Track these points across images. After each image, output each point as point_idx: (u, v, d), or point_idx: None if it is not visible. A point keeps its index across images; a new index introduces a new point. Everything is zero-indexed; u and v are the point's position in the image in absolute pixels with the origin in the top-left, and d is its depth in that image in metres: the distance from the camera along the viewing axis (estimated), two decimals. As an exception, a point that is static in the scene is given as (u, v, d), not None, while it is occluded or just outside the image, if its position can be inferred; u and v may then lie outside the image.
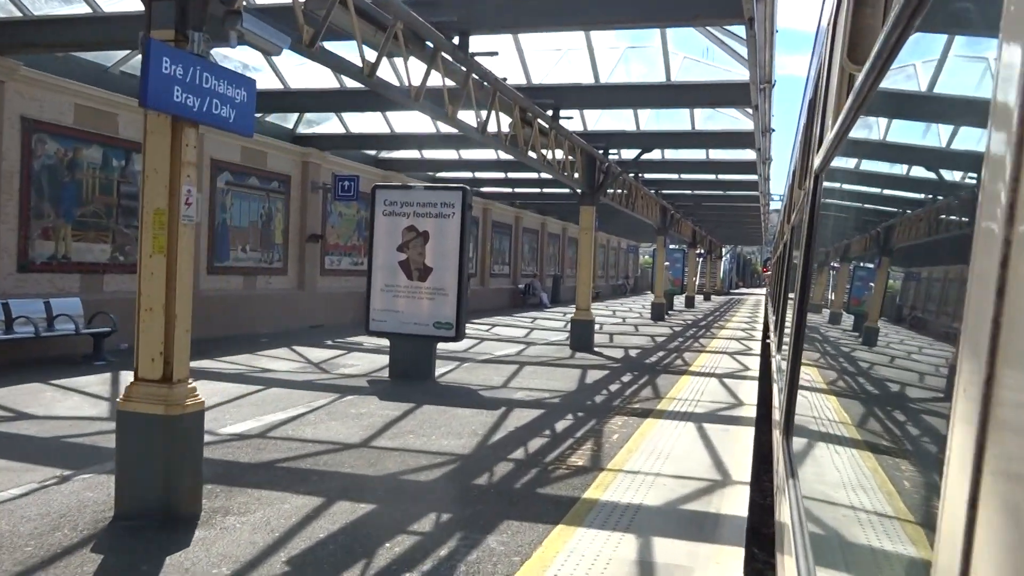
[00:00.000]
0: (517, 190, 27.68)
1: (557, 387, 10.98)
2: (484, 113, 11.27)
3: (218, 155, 15.16)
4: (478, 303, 27.84)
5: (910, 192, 1.18)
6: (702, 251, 50.86)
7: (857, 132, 1.39)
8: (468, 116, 11.24)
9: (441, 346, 11.82)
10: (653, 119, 16.16)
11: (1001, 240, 0.44)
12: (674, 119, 16.06)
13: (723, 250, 65.05)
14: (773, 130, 14.25)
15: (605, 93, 13.01)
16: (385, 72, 9.47)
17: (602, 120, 16.37)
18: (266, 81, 13.18)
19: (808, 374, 2.04)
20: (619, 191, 20.63)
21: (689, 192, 26.90)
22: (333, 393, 9.76)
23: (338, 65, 8.19)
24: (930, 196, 1.00)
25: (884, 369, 1.15)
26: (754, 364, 14.69)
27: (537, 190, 26.77)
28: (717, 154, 19.31)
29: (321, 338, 16.05)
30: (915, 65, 0.97)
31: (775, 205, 31.95)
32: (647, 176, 23.23)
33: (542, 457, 7.01)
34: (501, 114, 11.96)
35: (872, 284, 1.36)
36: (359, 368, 12.20)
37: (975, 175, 0.56)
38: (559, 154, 14.79)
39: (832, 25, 2.04)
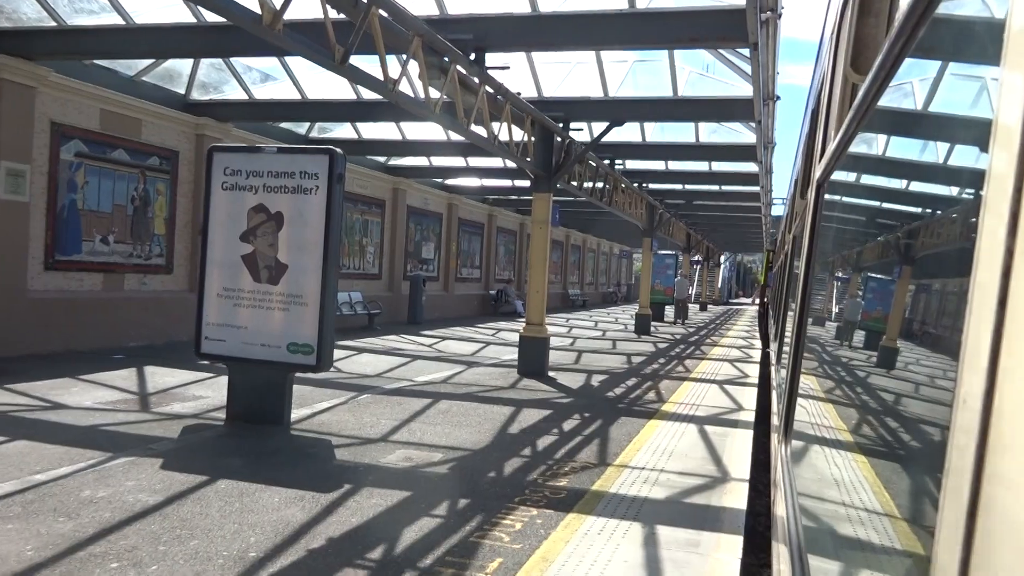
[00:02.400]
0: (485, 182, 24.35)
1: (459, 441, 7.59)
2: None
3: (63, 117, 11.79)
4: (441, 311, 24.46)
5: (912, 202, 1.20)
6: (699, 257, 47.46)
7: (860, 141, 1.41)
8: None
9: (339, 371, 8.46)
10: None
11: (1003, 251, 0.45)
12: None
13: (722, 257, 61.58)
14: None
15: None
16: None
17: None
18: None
19: (807, 381, 2.10)
20: (598, 184, 17.30)
21: (680, 187, 23.52)
22: (108, 451, 6.38)
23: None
24: (932, 206, 1.02)
25: (883, 378, 1.18)
26: (749, 396, 11.31)
27: (508, 182, 23.41)
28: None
29: (205, 354, 12.65)
30: (918, 74, 1.00)
31: (776, 211, 29.04)
32: (630, 165, 19.90)
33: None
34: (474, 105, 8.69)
35: (874, 294, 1.44)
36: (202, 403, 8.81)
37: (978, 185, 0.56)
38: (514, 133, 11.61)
39: (836, 35, 2.05)
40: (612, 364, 15.14)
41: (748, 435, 8.21)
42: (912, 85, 1.02)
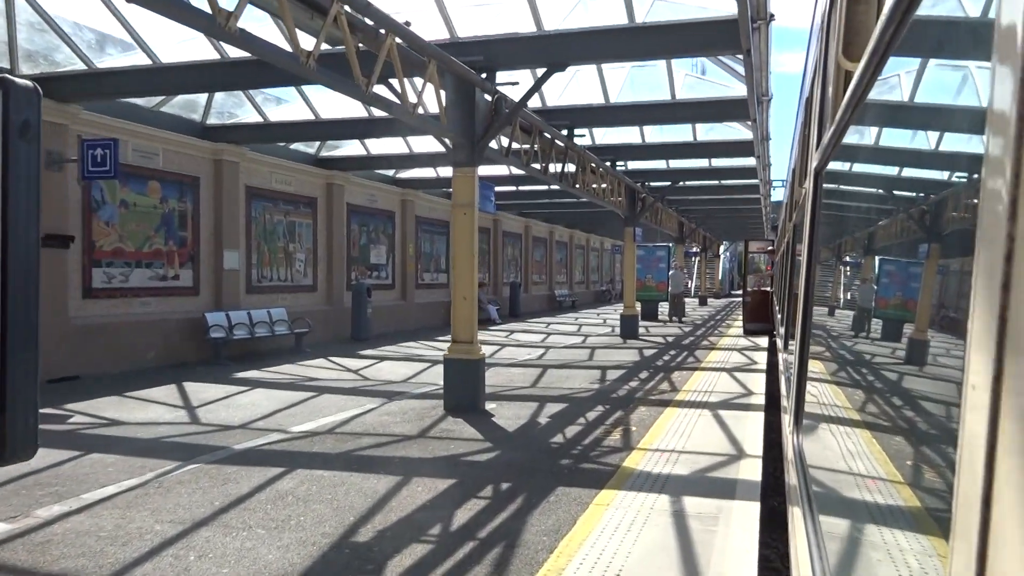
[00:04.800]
0: (444, 172, 21.14)
1: (252, 574, 4.40)
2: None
3: None
4: (398, 323, 21.27)
5: (911, 187, 1.20)
6: (696, 249, 44.19)
7: (855, 129, 1.42)
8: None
9: (195, 422, 5.29)
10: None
11: (1005, 234, 0.45)
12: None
13: (721, 247, 58.24)
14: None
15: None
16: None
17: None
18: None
19: (815, 364, 2.13)
20: (567, 166, 14.22)
21: (664, 164, 20.29)
22: None
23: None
24: (931, 191, 1.03)
25: (888, 361, 1.19)
26: (752, 427, 8.13)
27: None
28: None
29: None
30: (911, 61, 1.02)
31: (776, 196, 26.17)
32: (601, 140, 16.72)
33: None
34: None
35: (874, 278, 1.43)
36: None
37: (976, 169, 0.57)
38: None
39: (827, 22, 2.05)
40: (578, 384, 11.92)
41: (750, 527, 5.00)
42: (905, 69, 1.04)
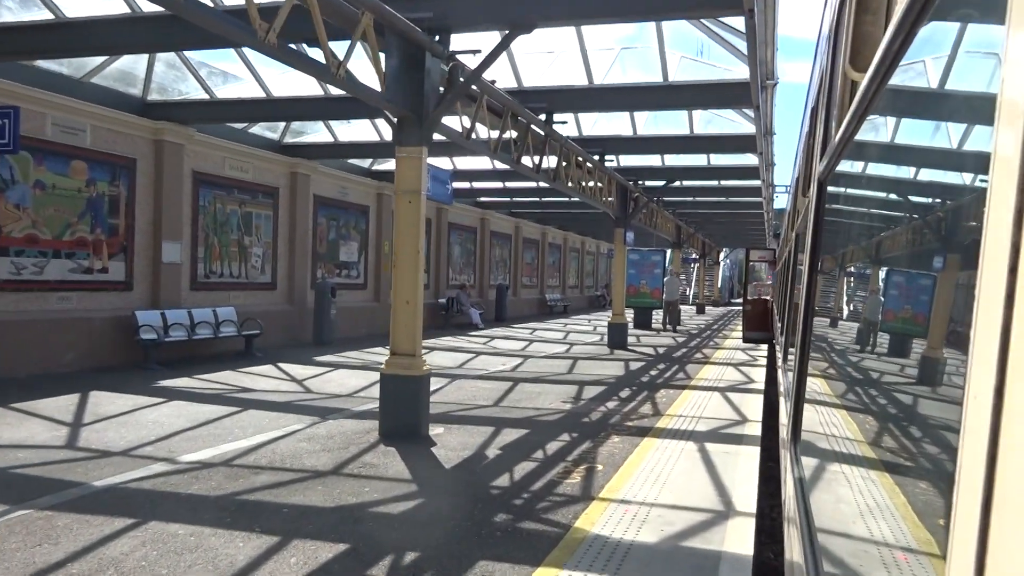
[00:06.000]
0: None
1: None
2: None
3: None
4: (368, 326, 19.73)
5: (916, 198, 1.19)
6: (695, 255, 42.66)
7: (860, 139, 1.41)
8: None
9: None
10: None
11: (1009, 245, 0.45)
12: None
13: (721, 254, 56.64)
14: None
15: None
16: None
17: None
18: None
19: (814, 377, 2.07)
20: (546, 157, 12.69)
21: (658, 162, 18.75)
22: None
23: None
24: (936, 202, 1.01)
25: (890, 374, 1.18)
26: (746, 464, 6.65)
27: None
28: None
29: None
30: (918, 71, 0.99)
31: (779, 204, 24.78)
32: (588, 131, 15.21)
33: None
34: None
35: (878, 290, 1.40)
36: None
37: (981, 181, 0.57)
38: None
39: (834, 32, 2.04)
40: (548, 403, 10.37)
41: None
42: (911, 80, 1.02)
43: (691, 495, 6.02)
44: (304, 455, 7.10)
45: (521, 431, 8.48)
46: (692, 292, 49.82)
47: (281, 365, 13.52)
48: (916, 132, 1.15)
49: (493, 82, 10.00)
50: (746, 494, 6.01)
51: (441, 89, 8.40)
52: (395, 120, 8.02)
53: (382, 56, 7.61)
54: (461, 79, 8.27)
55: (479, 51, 8.63)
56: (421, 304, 8.17)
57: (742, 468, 6.92)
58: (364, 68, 8.19)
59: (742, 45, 8.97)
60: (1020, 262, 0.44)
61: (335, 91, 11.84)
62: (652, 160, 18.56)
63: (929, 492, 0.79)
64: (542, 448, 7.68)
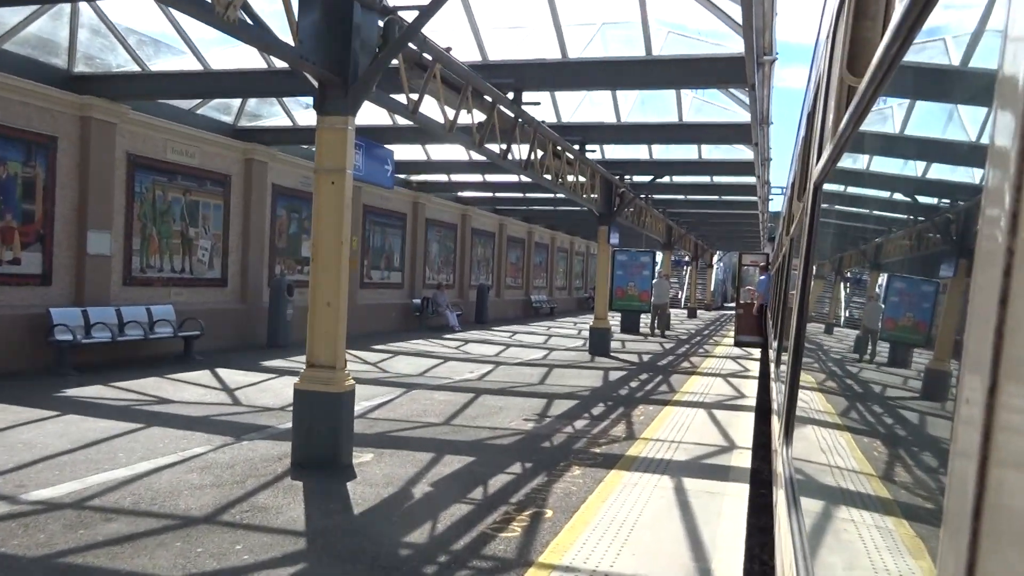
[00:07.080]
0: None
1: None
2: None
3: None
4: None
5: (911, 203, 1.19)
6: (686, 257, 41.37)
7: (856, 143, 1.41)
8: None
9: None
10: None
11: (1004, 249, 0.45)
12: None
13: (714, 257, 55.33)
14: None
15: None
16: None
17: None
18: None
19: (807, 379, 2.07)
20: (516, 143, 11.33)
21: (646, 155, 17.40)
22: None
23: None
24: (931, 206, 1.01)
25: (883, 376, 1.17)
26: (732, 508, 5.29)
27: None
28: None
29: None
30: (914, 76, 0.99)
31: (774, 206, 23.56)
32: (568, 118, 13.87)
33: None
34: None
35: (871, 294, 1.41)
36: None
37: (976, 184, 0.55)
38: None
39: (831, 37, 2.03)
40: (507, 422, 9.00)
41: None
42: (908, 85, 1.02)
43: (658, 559, 4.66)
44: (184, 492, 5.72)
45: (465, 459, 7.11)
46: (684, 295, 48.49)
47: (219, 371, 12.13)
48: (912, 137, 1.14)
49: (449, 49, 8.64)
50: (731, 559, 4.66)
51: (377, 51, 7.03)
52: (315, 82, 6.64)
53: (294, 1, 6.23)
54: (398, 35, 6.89)
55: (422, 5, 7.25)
56: (345, 306, 6.79)
57: (727, 515, 5.57)
58: (279, 17, 6.80)
59: (736, 12, 7.71)
60: (1014, 266, 0.44)
61: (278, 63, 10.45)
62: (639, 152, 17.22)
63: (937, 519, 0.73)
64: (484, 484, 6.31)
